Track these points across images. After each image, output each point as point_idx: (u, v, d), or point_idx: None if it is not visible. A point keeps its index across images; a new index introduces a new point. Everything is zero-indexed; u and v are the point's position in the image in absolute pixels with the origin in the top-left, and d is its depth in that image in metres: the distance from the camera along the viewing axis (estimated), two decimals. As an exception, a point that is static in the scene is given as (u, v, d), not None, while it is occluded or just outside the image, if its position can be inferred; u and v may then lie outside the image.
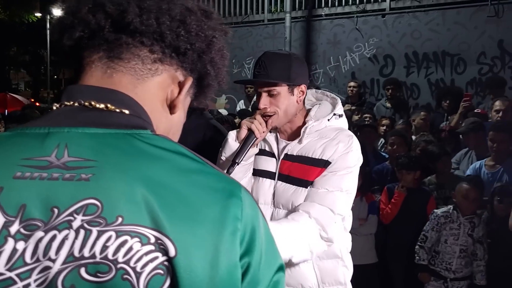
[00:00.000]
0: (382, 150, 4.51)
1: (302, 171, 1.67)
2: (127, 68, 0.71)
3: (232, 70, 7.88)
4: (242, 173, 1.70)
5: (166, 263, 0.59)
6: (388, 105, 5.60)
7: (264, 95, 1.66)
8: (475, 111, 4.49)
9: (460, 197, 3.17)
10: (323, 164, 1.65)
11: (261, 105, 1.66)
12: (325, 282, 1.69)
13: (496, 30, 6.05)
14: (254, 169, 1.77)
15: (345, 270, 1.73)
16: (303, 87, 1.69)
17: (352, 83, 6.08)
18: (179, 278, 0.59)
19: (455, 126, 4.50)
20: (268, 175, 1.74)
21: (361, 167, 3.49)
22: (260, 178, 1.75)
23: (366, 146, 4.01)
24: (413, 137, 4.43)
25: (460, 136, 4.32)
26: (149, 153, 0.64)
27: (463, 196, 3.16)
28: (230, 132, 1.71)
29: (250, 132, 1.63)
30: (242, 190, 0.67)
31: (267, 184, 1.73)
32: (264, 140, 1.77)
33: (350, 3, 7.22)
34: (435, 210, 3.26)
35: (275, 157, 1.74)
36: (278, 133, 1.77)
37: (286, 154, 1.72)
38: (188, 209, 0.61)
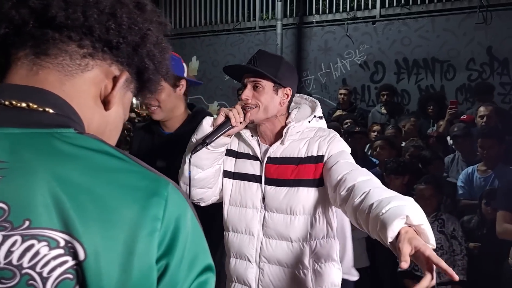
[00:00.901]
0: (369, 154, 4.54)
1: (292, 171, 1.67)
2: (54, 65, 0.68)
3: (223, 77, 7.88)
4: (209, 161, 1.67)
5: (75, 267, 0.57)
6: (384, 111, 5.63)
7: (249, 86, 1.66)
8: (461, 117, 4.55)
9: (418, 198, 3.25)
10: (315, 159, 1.66)
11: (244, 96, 1.66)
12: (321, 286, 1.68)
13: (485, 37, 6.12)
14: (238, 173, 1.76)
15: (338, 272, 1.73)
16: (288, 90, 1.69)
17: (343, 90, 6.10)
18: (88, 282, 0.57)
19: (443, 133, 4.56)
20: (254, 178, 1.73)
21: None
22: (246, 182, 1.74)
23: (357, 152, 4.03)
24: (404, 143, 4.46)
25: (449, 141, 4.36)
26: (67, 153, 0.62)
27: (419, 196, 3.24)
28: (206, 117, 1.69)
29: (227, 119, 1.63)
30: (169, 188, 0.64)
31: (254, 188, 1.73)
32: (247, 144, 1.77)
33: (341, 10, 7.26)
34: None
35: (259, 160, 1.74)
36: (258, 137, 1.77)
37: (269, 158, 1.71)
38: (102, 209, 0.59)
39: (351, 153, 1.70)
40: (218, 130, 1.62)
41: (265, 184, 1.70)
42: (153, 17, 0.75)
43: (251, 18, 8.00)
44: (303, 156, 1.67)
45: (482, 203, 3.29)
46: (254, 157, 1.75)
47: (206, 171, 1.68)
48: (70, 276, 0.57)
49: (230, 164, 1.78)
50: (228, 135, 1.65)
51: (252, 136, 1.77)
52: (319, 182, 1.65)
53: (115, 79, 0.72)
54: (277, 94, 1.67)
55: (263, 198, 1.70)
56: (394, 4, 6.83)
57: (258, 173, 1.72)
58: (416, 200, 1.31)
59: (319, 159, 1.65)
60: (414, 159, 3.86)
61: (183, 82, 2.01)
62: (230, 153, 1.80)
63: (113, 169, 0.63)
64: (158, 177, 0.65)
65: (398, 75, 6.69)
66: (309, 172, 1.65)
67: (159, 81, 0.79)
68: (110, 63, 0.72)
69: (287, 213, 1.66)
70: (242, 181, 1.75)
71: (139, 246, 0.59)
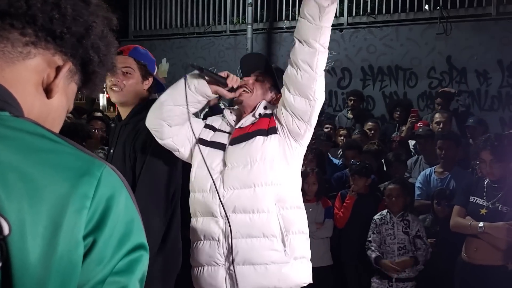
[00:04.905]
0: (338, 156, 4.70)
1: (251, 126, 1.90)
2: None
3: (194, 80, 7.92)
4: (184, 100, 1.83)
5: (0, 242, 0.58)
6: (350, 115, 5.83)
7: (253, 76, 1.99)
8: (419, 124, 4.79)
9: (387, 197, 3.46)
10: (270, 115, 1.92)
11: (246, 78, 1.96)
12: (289, 230, 1.81)
13: (445, 47, 6.43)
14: (211, 142, 1.94)
15: (305, 221, 1.90)
16: (280, 96, 1.94)
17: (311, 94, 6.24)
18: (12, 257, 0.58)
19: (405, 138, 4.81)
20: (220, 146, 1.91)
21: (318, 173, 3.69)
22: (215, 150, 1.91)
23: (323, 155, 4.19)
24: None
25: (410, 146, 4.60)
26: None
27: (387, 196, 3.45)
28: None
29: (226, 77, 1.87)
30: (104, 169, 0.66)
31: (220, 153, 1.89)
32: (226, 122, 1.99)
33: (310, 17, 7.42)
34: (374, 217, 3.49)
35: (230, 133, 1.95)
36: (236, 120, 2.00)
37: (239, 127, 1.93)
38: (29, 186, 0.60)
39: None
40: (214, 74, 1.86)
41: (229, 145, 1.89)
42: (99, 11, 0.77)
43: (222, 22, 8.08)
44: (262, 115, 1.94)
45: (433, 203, 3.50)
46: (228, 133, 1.96)
47: (176, 106, 1.86)
48: None
49: (208, 135, 1.97)
50: (213, 92, 1.86)
51: (233, 119, 2.00)
52: (273, 130, 1.86)
53: (58, 69, 0.73)
54: (271, 92, 2.01)
55: (224, 161, 1.87)
56: (361, 13, 7.08)
57: (225, 142, 1.92)
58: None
59: (273, 114, 1.93)
60: (373, 162, 4.04)
61: (151, 80, 2.14)
62: (209, 127, 2.00)
63: (46, 150, 0.64)
64: (93, 159, 0.67)
65: (364, 81, 6.93)
66: (265, 123, 1.89)
67: (105, 75, 0.82)
68: (53, 52, 0.73)
69: (246, 163, 1.82)
70: (214, 149, 1.92)
71: (66, 222, 0.61)
